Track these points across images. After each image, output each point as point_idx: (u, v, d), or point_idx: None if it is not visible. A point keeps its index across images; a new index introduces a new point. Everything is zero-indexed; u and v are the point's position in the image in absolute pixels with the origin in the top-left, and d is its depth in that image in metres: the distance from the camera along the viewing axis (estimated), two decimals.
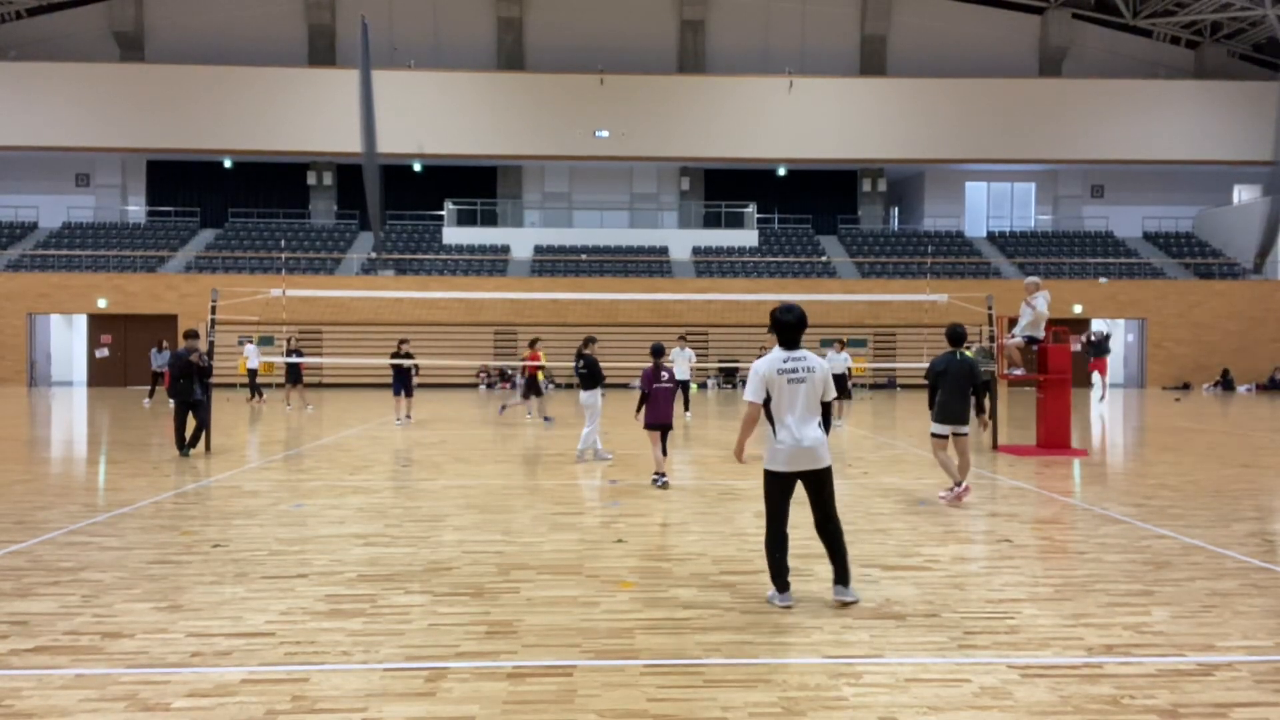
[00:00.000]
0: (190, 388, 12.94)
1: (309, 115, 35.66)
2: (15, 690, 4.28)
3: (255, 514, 8.48)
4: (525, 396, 19.16)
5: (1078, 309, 33.99)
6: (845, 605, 5.56)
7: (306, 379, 24.50)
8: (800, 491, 5.69)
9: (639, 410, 10.37)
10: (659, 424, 10.34)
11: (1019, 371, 13.97)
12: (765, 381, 5.46)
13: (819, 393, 5.53)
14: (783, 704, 4.16)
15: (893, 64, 39.04)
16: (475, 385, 32.22)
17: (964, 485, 9.26)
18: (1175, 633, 5.17)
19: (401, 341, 19.17)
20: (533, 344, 19.38)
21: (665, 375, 10.35)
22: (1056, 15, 38.80)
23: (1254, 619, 5.42)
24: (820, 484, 5.59)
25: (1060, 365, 13.54)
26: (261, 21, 37.92)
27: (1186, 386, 33.37)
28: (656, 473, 10.26)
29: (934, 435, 9.42)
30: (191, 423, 13.01)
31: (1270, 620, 5.41)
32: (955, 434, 9.38)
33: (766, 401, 5.52)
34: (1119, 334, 36.52)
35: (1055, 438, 13.53)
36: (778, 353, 5.53)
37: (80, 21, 37.60)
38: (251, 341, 24.88)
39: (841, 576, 5.65)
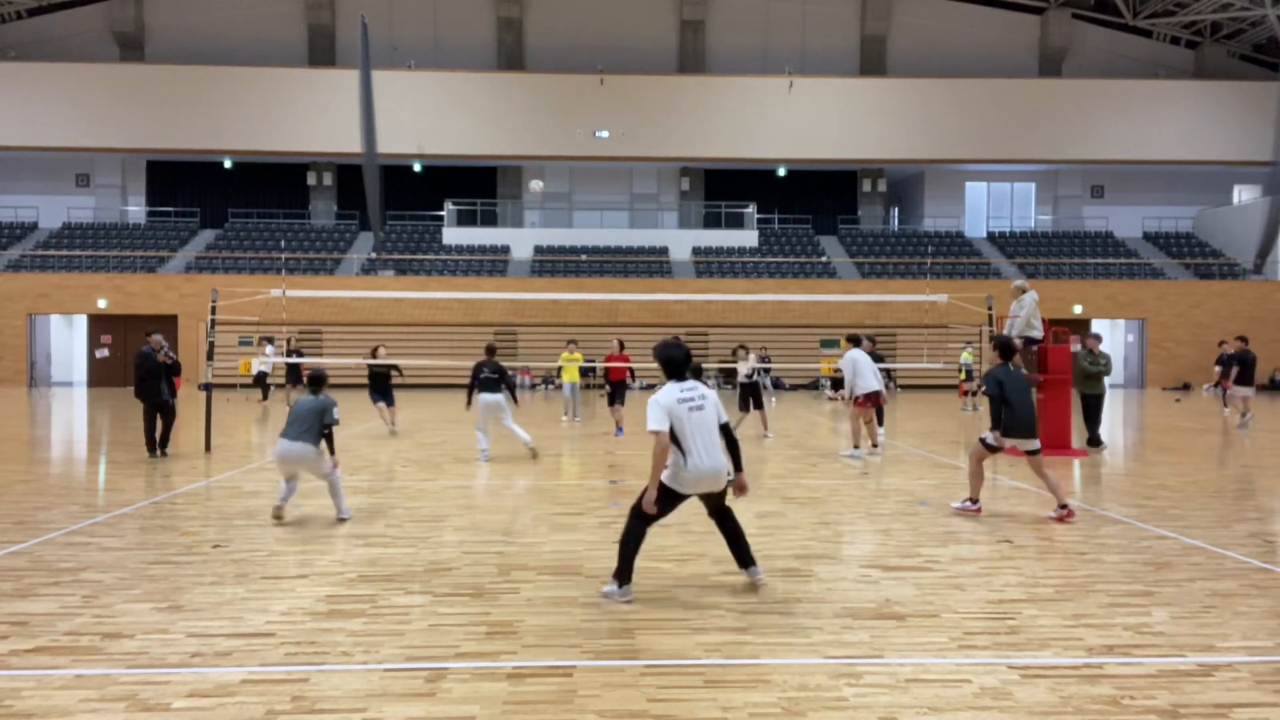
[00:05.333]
0: (158, 387, 12.46)
1: (309, 115, 35.67)
2: (15, 690, 4.28)
3: (255, 514, 8.48)
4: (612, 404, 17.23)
5: (1078, 309, 34.00)
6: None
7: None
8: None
9: None
10: None
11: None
12: (667, 411, 5.63)
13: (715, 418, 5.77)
14: (783, 704, 4.16)
15: (893, 64, 39.06)
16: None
17: (979, 505, 8.71)
18: (1175, 633, 5.17)
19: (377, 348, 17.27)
20: (572, 343, 19.22)
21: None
22: (1056, 15, 38.81)
23: (1254, 619, 5.42)
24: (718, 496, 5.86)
25: (1060, 365, 13.54)
26: (261, 21, 37.93)
27: (1186, 387, 33.36)
28: None
29: (990, 445, 8.57)
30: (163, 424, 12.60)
31: (1270, 621, 5.41)
32: (1030, 451, 8.53)
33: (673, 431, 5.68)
34: (1119, 334, 36.55)
35: (1055, 438, 13.52)
36: (673, 385, 5.73)
37: (80, 21, 37.61)
38: (271, 342, 24.39)
39: (745, 560, 5.96)
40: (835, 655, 4.78)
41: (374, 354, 16.67)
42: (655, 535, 7.65)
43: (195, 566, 6.54)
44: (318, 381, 8.38)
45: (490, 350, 12.97)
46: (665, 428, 5.52)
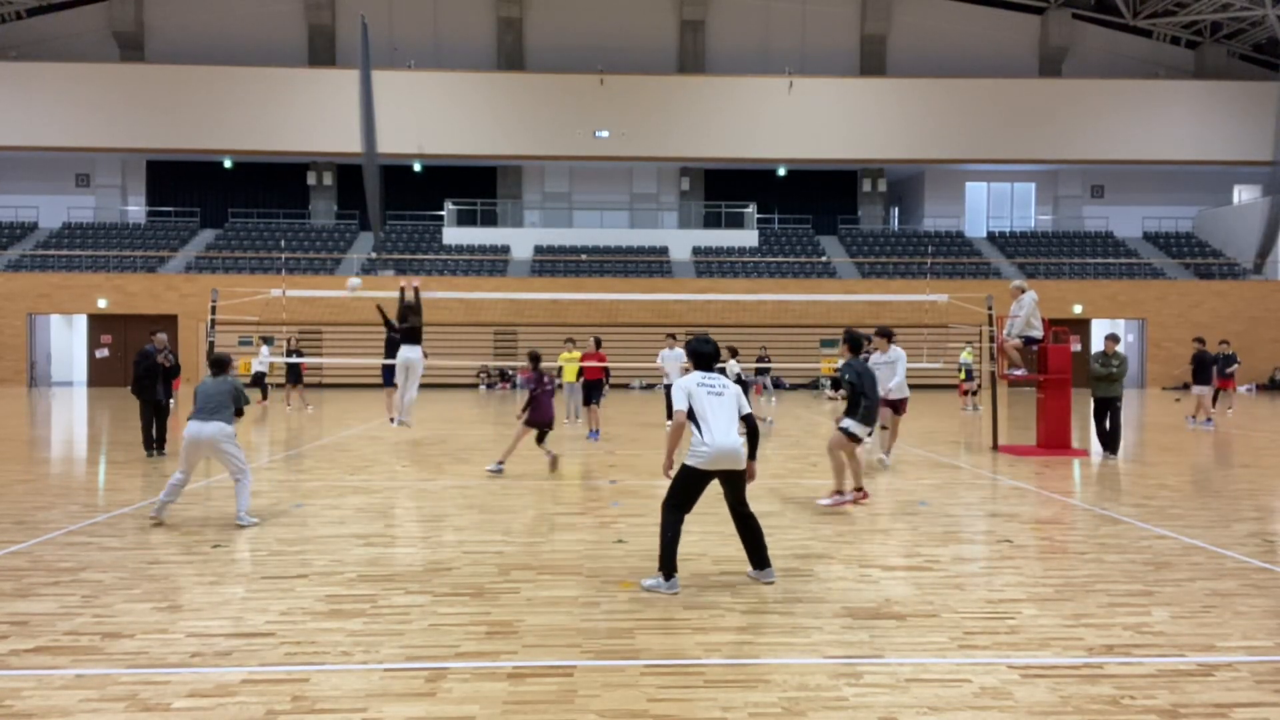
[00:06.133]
0: (154, 387, 12.60)
1: (309, 115, 35.67)
2: (15, 690, 4.28)
3: (255, 514, 8.47)
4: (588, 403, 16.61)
5: (1078, 309, 34.01)
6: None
7: (306, 379, 24.48)
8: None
9: (525, 410, 11.34)
10: (542, 422, 11.23)
11: (1019, 372, 13.98)
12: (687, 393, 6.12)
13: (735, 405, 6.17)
14: (783, 704, 4.16)
15: (893, 64, 39.06)
16: (475, 385, 32.23)
17: (864, 491, 9.06)
18: (1175, 633, 5.17)
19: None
20: (570, 342, 18.47)
21: (546, 380, 11.47)
22: (1056, 15, 38.81)
23: (1254, 619, 5.43)
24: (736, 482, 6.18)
25: (1060, 365, 13.54)
26: (261, 21, 37.94)
27: (1186, 387, 33.31)
28: (500, 462, 11.27)
29: (853, 435, 8.88)
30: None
31: (1270, 620, 5.41)
32: (860, 437, 8.98)
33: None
34: (1119, 334, 36.56)
35: (1055, 438, 13.53)
36: (697, 373, 6.28)
37: (80, 21, 37.62)
38: (268, 343, 24.44)
39: (760, 561, 6.21)
40: (835, 655, 4.78)
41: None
42: (654, 535, 7.63)
43: (195, 566, 6.54)
44: (222, 364, 8.34)
45: (402, 316, 13.83)
46: (685, 407, 6.02)
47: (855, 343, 9.27)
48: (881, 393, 11.88)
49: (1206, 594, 5.94)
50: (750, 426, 6.14)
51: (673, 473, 6.14)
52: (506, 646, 4.89)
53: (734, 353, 17.44)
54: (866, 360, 9.40)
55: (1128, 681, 4.45)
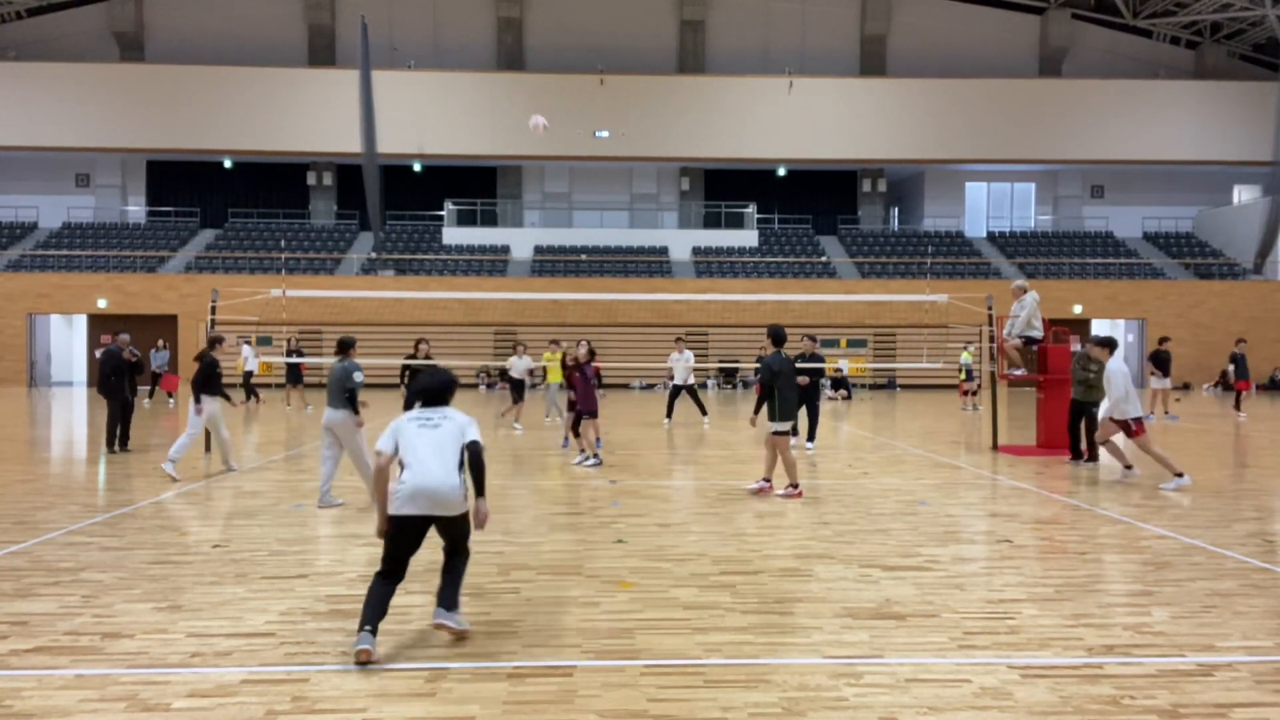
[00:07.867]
0: (122, 385, 12.90)
1: (309, 115, 35.67)
2: (15, 690, 4.28)
3: (255, 514, 8.48)
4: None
5: (1078, 309, 34.00)
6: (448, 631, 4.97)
7: (307, 379, 24.46)
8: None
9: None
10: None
11: (1019, 372, 13.98)
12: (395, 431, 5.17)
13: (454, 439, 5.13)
14: (783, 704, 4.16)
15: (893, 64, 39.06)
16: (475, 386, 32.22)
17: (799, 487, 9.42)
18: (1175, 633, 5.17)
19: (419, 341, 15.49)
20: (554, 343, 17.73)
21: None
22: (1056, 15, 38.81)
23: (1254, 619, 5.42)
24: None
25: (1060, 365, 13.54)
26: (261, 21, 37.93)
27: (1186, 387, 33.35)
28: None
29: (779, 434, 9.22)
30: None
31: (1270, 620, 5.41)
32: (781, 432, 9.33)
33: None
34: (1119, 335, 36.55)
35: (1055, 438, 13.52)
36: (417, 410, 5.28)
37: (80, 21, 37.61)
38: (249, 343, 24.54)
39: (445, 599, 5.04)
40: (835, 655, 4.78)
41: (415, 351, 14.73)
42: (654, 535, 7.65)
43: (195, 566, 6.54)
44: (343, 347, 9.05)
45: (216, 343, 11.87)
46: (388, 448, 5.05)
47: (777, 337, 9.25)
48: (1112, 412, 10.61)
49: (1206, 594, 5.94)
50: (473, 454, 5.06)
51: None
52: (506, 646, 4.89)
53: (679, 341, 17.73)
54: (782, 355, 9.28)
55: (1128, 681, 4.45)
